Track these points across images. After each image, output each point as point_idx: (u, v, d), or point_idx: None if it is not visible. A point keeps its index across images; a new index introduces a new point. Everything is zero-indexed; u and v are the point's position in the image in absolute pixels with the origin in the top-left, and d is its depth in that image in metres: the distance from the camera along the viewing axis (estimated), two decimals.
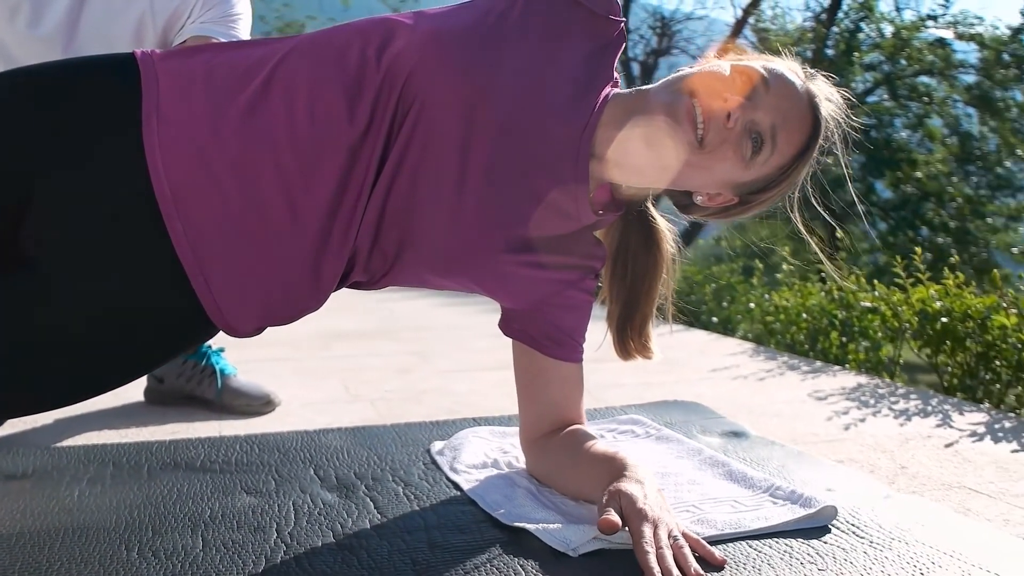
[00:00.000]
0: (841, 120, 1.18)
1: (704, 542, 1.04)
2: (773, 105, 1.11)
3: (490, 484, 1.30)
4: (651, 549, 0.99)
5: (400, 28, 1.10)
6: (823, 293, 2.78)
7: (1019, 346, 1.95)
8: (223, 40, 1.67)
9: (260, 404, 1.85)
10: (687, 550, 1.01)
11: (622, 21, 1.21)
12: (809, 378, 2.26)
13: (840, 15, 16.22)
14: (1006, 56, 14.78)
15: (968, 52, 15.64)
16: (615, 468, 1.13)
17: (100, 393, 1.09)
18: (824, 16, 16.22)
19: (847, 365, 2.55)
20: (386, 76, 1.07)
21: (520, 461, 1.40)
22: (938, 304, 2.24)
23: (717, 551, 1.03)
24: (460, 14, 1.14)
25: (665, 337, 2.97)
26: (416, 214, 1.11)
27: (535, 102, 1.12)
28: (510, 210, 1.14)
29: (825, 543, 1.08)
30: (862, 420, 1.82)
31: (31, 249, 1.03)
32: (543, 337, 1.27)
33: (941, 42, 16.05)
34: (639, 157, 1.15)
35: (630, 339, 1.35)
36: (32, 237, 1.03)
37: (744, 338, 3.26)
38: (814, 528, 1.13)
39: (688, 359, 2.57)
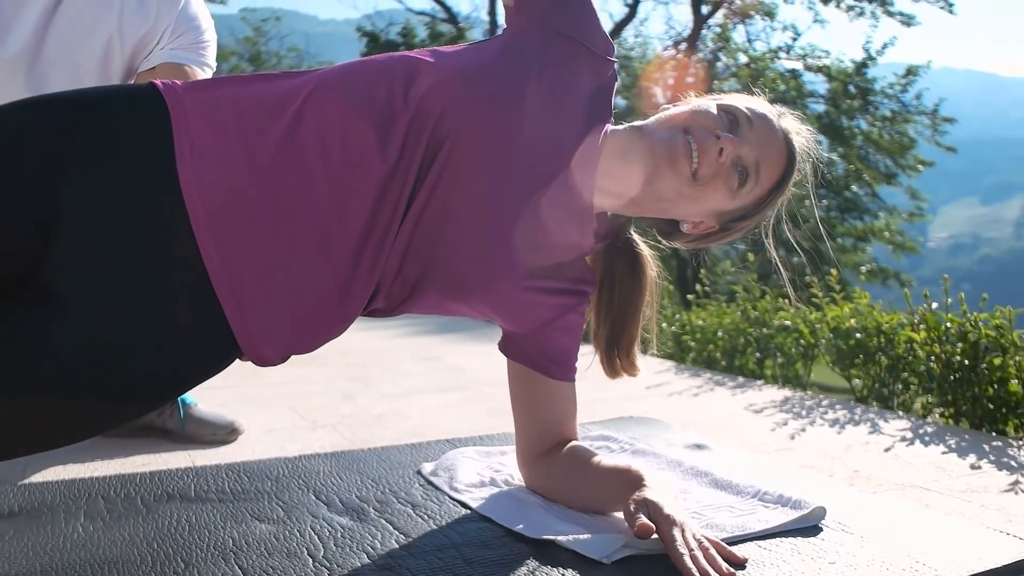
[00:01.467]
0: (811, 153, 1.31)
1: (723, 544, 1.13)
2: (757, 141, 1.22)
3: (497, 501, 1.35)
4: (685, 551, 1.06)
5: (423, 66, 1.15)
6: (739, 313, 2.96)
7: (931, 358, 2.15)
8: (195, 67, 1.67)
9: (225, 433, 1.83)
10: (713, 551, 1.09)
11: (616, 61, 1.31)
12: (738, 393, 2.40)
13: (699, 45, 17.07)
14: (852, 87, 15.92)
15: (817, 83, 16.74)
16: (632, 479, 1.21)
17: (121, 424, 1.09)
18: (685, 45, 17.05)
19: (765, 380, 2.72)
20: (416, 113, 1.11)
21: (515, 478, 1.45)
22: (852, 322, 2.43)
23: (737, 551, 1.12)
24: (481, 54, 1.20)
25: (586, 357, 3.08)
26: (442, 244, 1.16)
27: (553, 141, 1.19)
28: (529, 240, 1.21)
29: (824, 540, 1.19)
30: (802, 430, 1.96)
31: (59, 281, 1.02)
32: (543, 359, 1.34)
33: (793, 73, 17.13)
34: (638, 189, 1.23)
35: (617, 359, 1.44)
36: (60, 269, 1.02)
37: (657, 356, 3.41)
38: (808, 527, 1.24)
39: (601, 378, 2.68)
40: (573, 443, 1.36)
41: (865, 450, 1.79)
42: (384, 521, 1.28)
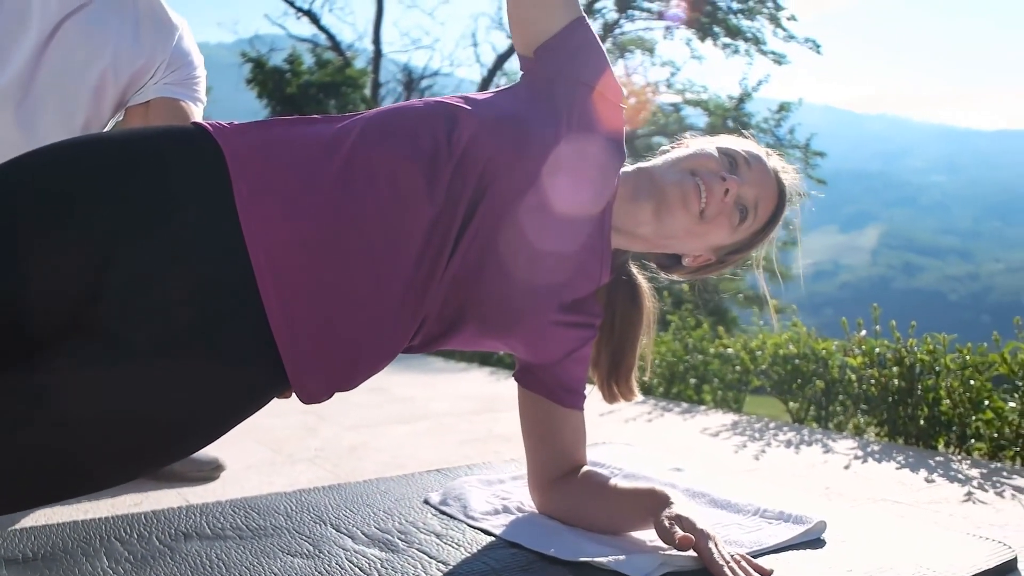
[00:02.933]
0: (798, 189, 1.43)
1: (749, 557, 1.22)
2: (754, 181, 1.34)
3: (520, 527, 1.40)
4: (724, 563, 1.15)
5: (460, 113, 1.20)
6: (676, 341, 3.10)
7: (872, 381, 2.32)
8: (189, 103, 1.67)
9: (210, 469, 1.81)
10: (744, 563, 1.18)
11: (625, 106, 1.40)
12: (688, 418, 2.52)
13: None
14: (730, 122, 16.71)
15: (697, 117, 17.49)
16: (659, 498, 1.28)
17: (171, 463, 1.10)
18: None
19: (706, 405, 2.85)
20: (461, 159, 1.17)
21: (526, 505, 1.50)
22: (791, 348, 2.59)
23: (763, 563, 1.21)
24: (514, 102, 1.26)
25: None
26: (482, 284, 1.21)
27: (583, 185, 1.27)
28: (561, 278, 1.28)
29: (832, 551, 1.29)
30: (763, 451, 2.09)
31: (111, 321, 1.03)
32: (560, 389, 1.40)
33: (675, 107, 17.84)
34: (648, 227, 1.32)
35: (615, 385, 1.51)
36: (114, 309, 1.03)
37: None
38: (813, 540, 1.34)
39: None
40: (586, 469, 1.43)
41: (826, 468, 1.92)
42: (416, 551, 1.31)
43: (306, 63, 15.42)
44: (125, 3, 1.62)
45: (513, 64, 17.00)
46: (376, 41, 17.26)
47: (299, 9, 17.09)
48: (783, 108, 17.15)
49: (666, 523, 1.21)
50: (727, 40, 15.85)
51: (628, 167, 1.39)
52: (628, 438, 2.23)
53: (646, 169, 1.35)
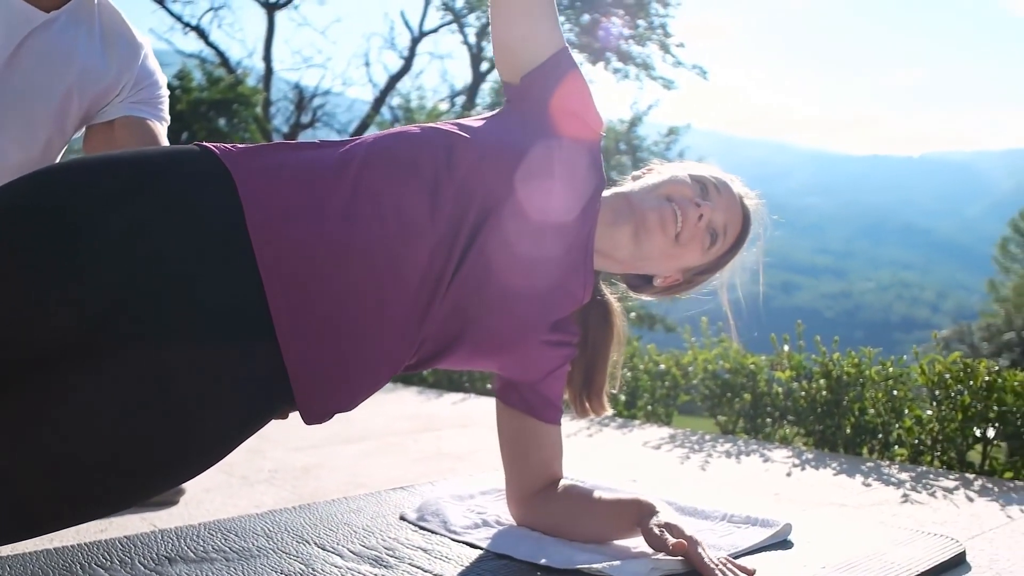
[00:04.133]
0: (761, 213, 1.53)
1: (731, 559, 1.29)
2: (723, 206, 1.42)
3: (506, 538, 1.43)
4: (715, 566, 1.22)
5: (457, 140, 1.24)
6: None
7: (802, 394, 2.46)
8: (155, 121, 1.66)
9: (172, 493, 1.78)
10: (731, 565, 1.25)
11: (603, 134, 1.47)
12: (626, 432, 2.60)
13: (478, 100, 17.76)
14: (622, 145, 17.15)
15: None
16: (645, 508, 1.34)
17: (181, 483, 1.11)
18: (464, 98, 17.66)
19: (638, 420, 2.95)
20: (462, 188, 1.21)
21: (503, 518, 1.54)
22: (721, 363, 2.71)
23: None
24: (506, 131, 1.31)
25: (458, 405, 3.20)
26: (479, 306, 1.26)
27: (573, 210, 1.33)
28: (551, 298, 1.34)
29: (802, 551, 1.38)
30: (707, 462, 2.18)
31: (126, 342, 1.03)
32: (542, 405, 1.45)
33: None
34: (626, 250, 1.39)
35: (587, 400, 1.57)
36: (128, 330, 1.04)
37: None
38: (781, 542, 1.43)
39: (481, 424, 2.80)
40: (566, 481, 1.48)
41: (769, 476, 2.03)
42: (409, 566, 1.33)
43: (196, 79, 15.06)
44: (90, 21, 1.60)
45: (405, 85, 17.03)
46: (267, 58, 17.00)
47: (187, 24, 16.67)
48: (672, 132, 17.76)
49: (656, 531, 1.27)
50: (618, 65, 16.29)
51: (606, 192, 1.45)
52: (576, 453, 2.29)
53: (623, 194, 1.41)
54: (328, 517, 1.59)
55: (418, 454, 2.26)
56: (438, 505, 1.62)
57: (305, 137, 17.33)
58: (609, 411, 1.59)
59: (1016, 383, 2.06)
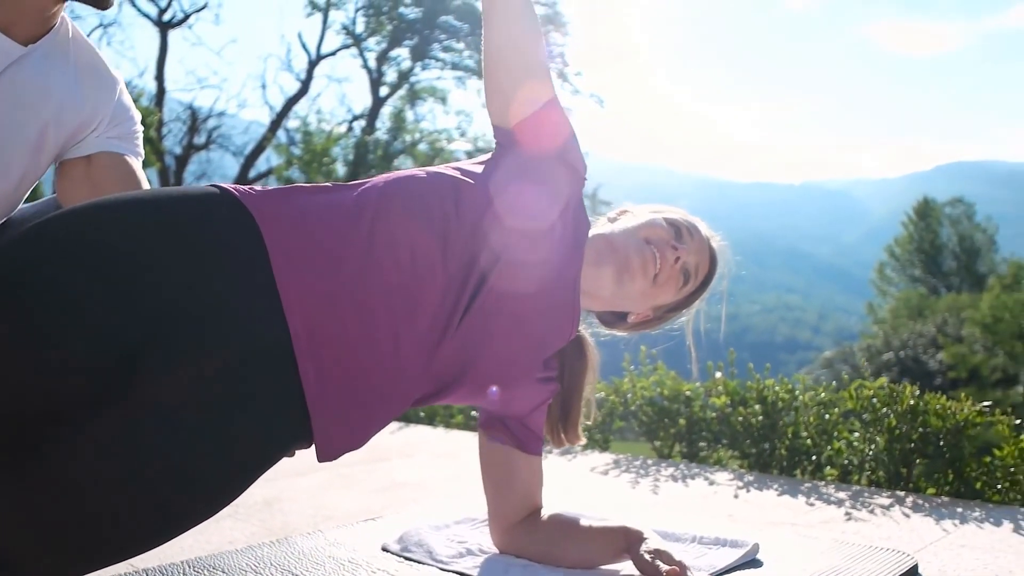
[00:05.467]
0: (726, 254, 1.63)
1: None
2: (695, 249, 1.52)
3: (495, 566, 1.48)
4: None
5: (463, 187, 1.30)
6: None
7: (739, 419, 2.58)
8: (131, 156, 1.66)
9: None
10: None
11: (587, 179, 1.55)
12: (569, 458, 2.68)
13: (378, 124, 17.75)
14: None
15: None
16: (633, 534, 1.42)
17: (200, 522, 1.13)
18: (364, 122, 17.63)
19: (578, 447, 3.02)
20: (472, 233, 1.27)
21: (485, 546, 1.59)
22: (657, 390, 2.83)
23: None
24: (506, 175, 1.37)
25: (398, 434, 3.22)
26: (483, 346, 1.32)
27: (567, 252, 1.40)
28: (547, 337, 1.41)
29: (775, 568, 1.48)
30: (656, 486, 2.28)
31: (153, 390, 1.06)
32: (528, 438, 1.51)
33: (472, 156, 18.30)
34: (608, 289, 1.48)
35: (563, 432, 1.64)
36: (155, 377, 1.06)
37: (451, 428, 3.61)
38: (751, 561, 1.52)
39: (442, 452, 2.85)
40: (553, 512, 1.54)
41: (718, 498, 2.13)
42: None
43: None
44: (65, 55, 1.59)
45: (303, 107, 16.86)
46: (159, 78, 16.57)
47: None
48: None
49: (647, 557, 1.34)
50: None
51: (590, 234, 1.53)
52: None
53: (604, 236, 1.49)
54: (311, 551, 1.61)
55: (374, 484, 2.28)
56: (420, 535, 1.66)
57: (198, 159, 16.98)
58: (583, 441, 1.66)
59: (938, 406, 2.23)
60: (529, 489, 1.52)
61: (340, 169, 17.74)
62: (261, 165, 17.72)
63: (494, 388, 1.39)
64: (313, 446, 1.21)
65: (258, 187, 1.22)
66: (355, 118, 18.17)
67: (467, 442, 3.01)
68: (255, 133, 18.34)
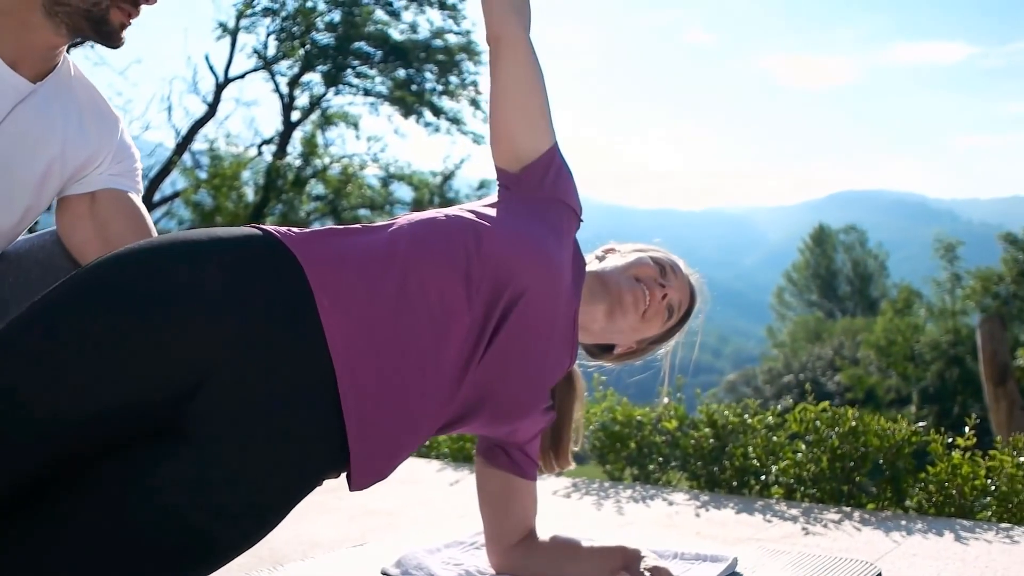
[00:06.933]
0: (704, 290, 1.76)
1: None
2: (678, 286, 1.65)
3: None
4: None
5: (483, 230, 1.39)
6: None
7: (692, 441, 2.72)
8: (133, 193, 1.69)
9: None
10: None
11: (582, 220, 1.65)
12: None
13: (289, 149, 17.63)
14: (436, 198, 17.52)
15: (404, 191, 18.17)
16: (631, 553, 1.52)
17: (247, 548, 1.19)
18: (274, 147, 17.46)
19: None
20: (495, 275, 1.36)
21: (482, 567, 1.67)
22: (608, 415, 2.95)
23: None
24: (517, 217, 1.46)
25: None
26: (500, 381, 1.41)
27: (573, 291, 1.50)
28: (553, 371, 1.51)
29: None
30: (620, 507, 2.39)
31: (197, 423, 1.12)
32: (527, 464, 1.60)
33: (384, 181, 18.38)
34: (600, 324, 1.58)
35: (554, 457, 1.74)
36: (204, 412, 1.13)
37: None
38: (732, 574, 1.64)
39: (407, 480, 2.90)
40: (551, 534, 1.63)
41: (681, 517, 2.26)
42: None
43: None
44: (69, 93, 1.62)
45: (209, 130, 16.59)
46: None
47: None
48: (483, 185, 18.40)
49: (646, 575, 1.45)
50: (429, 119, 16.65)
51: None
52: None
53: (596, 274, 1.60)
54: None
55: (350, 511, 2.32)
56: (418, 559, 1.72)
57: None
58: (573, 466, 1.76)
59: (876, 427, 2.41)
60: (526, 512, 1.61)
61: (250, 194, 17.52)
62: (167, 188, 17.32)
63: (510, 418, 1.47)
64: (343, 475, 1.29)
65: (295, 229, 1.29)
66: (264, 142, 17.95)
67: (424, 469, 3.07)
68: (160, 156, 17.93)
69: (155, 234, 1.67)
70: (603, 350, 1.71)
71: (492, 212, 1.46)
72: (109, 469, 1.08)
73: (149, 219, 1.68)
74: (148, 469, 1.08)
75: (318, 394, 1.19)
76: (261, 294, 1.18)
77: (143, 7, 1.54)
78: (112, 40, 1.55)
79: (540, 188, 1.53)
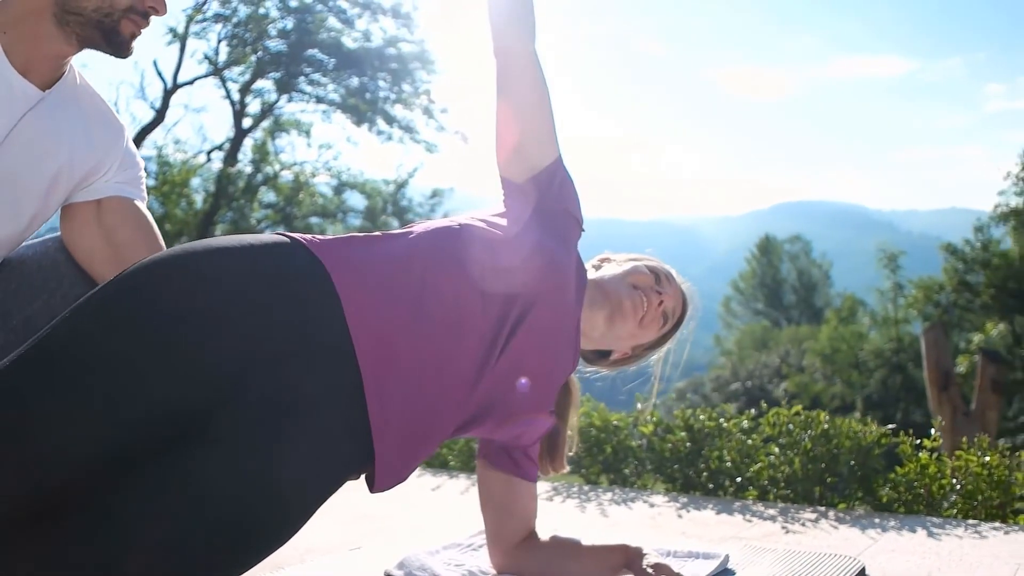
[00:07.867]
0: (695, 298, 1.83)
1: None
2: (672, 293, 1.72)
3: None
4: None
5: (495, 239, 1.44)
6: None
7: (668, 445, 2.79)
8: (139, 201, 1.71)
9: None
10: None
11: (584, 230, 1.70)
12: None
13: (240, 156, 17.45)
14: (389, 206, 17.48)
15: (357, 199, 18.11)
16: (632, 551, 1.57)
17: (278, 547, 1.23)
18: (225, 153, 17.27)
19: None
20: (509, 281, 1.41)
21: (484, 567, 1.71)
22: (586, 420, 3.01)
23: None
24: (526, 228, 1.51)
25: None
26: (512, 386, 1.46)
27: (578, 299, 1.56)
28: (559, 376, 1.56)
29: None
30: (602, 509, 2.44)
31: (226, 426, 1.16)
32: (529, 466, 1.65)
33: (336, 189, 18.29)
34: (599, 330, 1.65)
35: (550, 460, 1.79)
36: (239, 414, 1.16)
37: None
38: (725, 570, 1.71)
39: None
40: (551, 534, 1.68)
41: (664, 518, 2.32)
42: None
43: None
44: (75, 101, 1.63)
45: (157, 137, 16.38)
46: None
47: None
48: (436, 194, 18.41)
49: (649, 571, 1.50)
50: (382, 127, 16.61)
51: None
52: (467, 512, 2.47)
53: (595, 282, 1.66)
54: None
55: (341, 516, 2.34)
56: (420, 560, 1.76)
57: None
58: (567, 469, 1.81)
59: (848, 429, 2.51)
60: (528, 513, 1.66)
61: (199, 201, 17.31)
62: None
63: (518, 421, 1.52)
64: (363, 477, 1.33)
65: (319, 237, 1.33)
66: (213, 149, 17.73)
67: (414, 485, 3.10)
68: None
69: (161, 241, 1.69)
70: (600, 356, 1.76)
71: (503, 221, 1.51)
72: (151, 471, 1.11)
73: (155, 226, 1.70)
74: (187, 469, 1.11)
75: (348, 395, 1.23)
76: (294, 299, 1.22)
77: (152, 18, 1.57)
78: (122, 50, 1.57)
79: (545, 198, 1.59)
